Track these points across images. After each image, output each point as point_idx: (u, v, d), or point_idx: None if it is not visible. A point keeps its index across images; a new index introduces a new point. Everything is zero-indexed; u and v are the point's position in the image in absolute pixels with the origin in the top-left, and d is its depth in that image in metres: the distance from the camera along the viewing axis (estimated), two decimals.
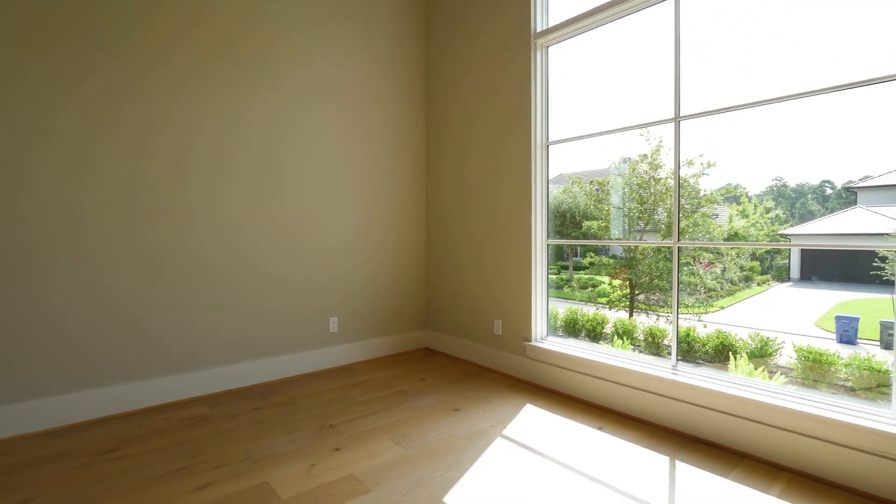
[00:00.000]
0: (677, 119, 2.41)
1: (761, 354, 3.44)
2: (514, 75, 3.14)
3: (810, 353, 3.16)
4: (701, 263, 3.80)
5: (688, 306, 3.78)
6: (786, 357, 3.22)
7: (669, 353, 2.49)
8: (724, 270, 3.73)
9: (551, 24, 3.01)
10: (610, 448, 2.15)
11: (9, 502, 1.74)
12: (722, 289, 3.75)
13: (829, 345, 2.91)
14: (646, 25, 2.61)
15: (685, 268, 4.03)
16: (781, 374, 3.26)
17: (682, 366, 2.44)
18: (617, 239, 3.92)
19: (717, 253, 3.77)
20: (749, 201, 3.25)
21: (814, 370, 3.09)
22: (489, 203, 3.38)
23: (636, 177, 3.63)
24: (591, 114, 3.01)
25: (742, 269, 3.71)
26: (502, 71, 3.22)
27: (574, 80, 3.09)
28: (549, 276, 3.34)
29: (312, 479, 1.89)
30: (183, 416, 2.54)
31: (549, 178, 3.17)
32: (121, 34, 2.55)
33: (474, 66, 3.46)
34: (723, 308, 3.73)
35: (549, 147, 3.12)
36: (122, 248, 2.56)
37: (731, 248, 3.63)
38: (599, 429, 2.36)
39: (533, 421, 2.45)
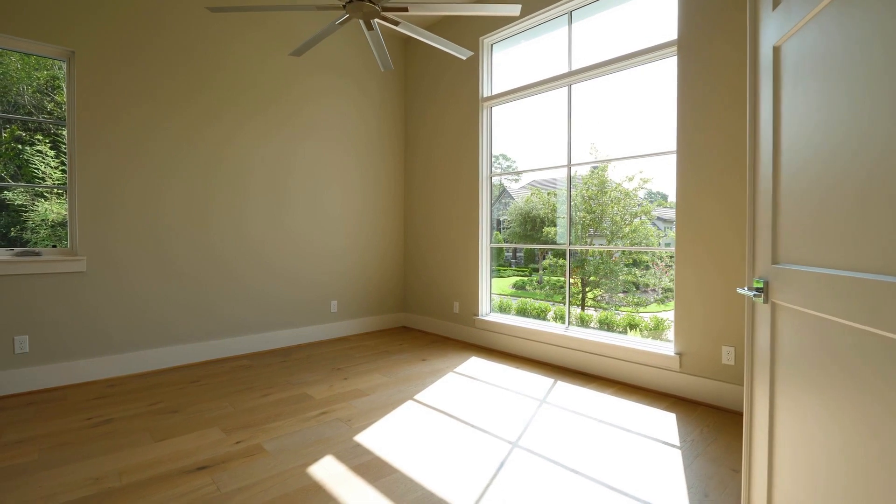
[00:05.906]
0: (569, 165, 3.69)
1: (656, 329, 4.78)
2: (467, 126, 4.38)
3: None
4: (657, 266, 4.98)
5: (629, 304, 4.97)
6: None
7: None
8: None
9: (494, 92, 4.26)
10: (520, 376, 3.39)
11: (145, 404, 2.84)
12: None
13: None
14: (553, 99, 3.89)
15: (625, 268, 5.25)
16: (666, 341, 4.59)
17: (572, 328, 3.71)
18: (555, 244, 5.15)
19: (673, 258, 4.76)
20: None
21: None
22: (449, 217, 4.59)
23: (587, 189, 4.71)
24: (521, 154, 4.27)
25: None
26: (461, 121, 4.45)
27: (510, 129, 4.35)
28: (522, 278, 4.41)
29: (333, 391, 3.05)
30: (232, 365, 3.65)
31: (520, 186, 4.34)
32: (150, 79, 3.57)
33: (437, 117, 4.68)
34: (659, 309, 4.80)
35: (492, 178, 4.37)
36: (164, 268, 3.66)
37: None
38: (517, 368, 3.60)
39: (475, 365, 3.68)
